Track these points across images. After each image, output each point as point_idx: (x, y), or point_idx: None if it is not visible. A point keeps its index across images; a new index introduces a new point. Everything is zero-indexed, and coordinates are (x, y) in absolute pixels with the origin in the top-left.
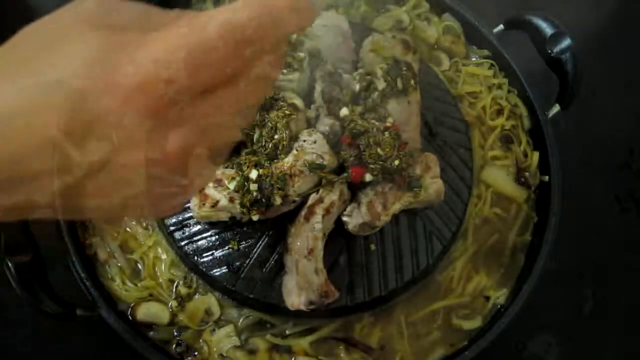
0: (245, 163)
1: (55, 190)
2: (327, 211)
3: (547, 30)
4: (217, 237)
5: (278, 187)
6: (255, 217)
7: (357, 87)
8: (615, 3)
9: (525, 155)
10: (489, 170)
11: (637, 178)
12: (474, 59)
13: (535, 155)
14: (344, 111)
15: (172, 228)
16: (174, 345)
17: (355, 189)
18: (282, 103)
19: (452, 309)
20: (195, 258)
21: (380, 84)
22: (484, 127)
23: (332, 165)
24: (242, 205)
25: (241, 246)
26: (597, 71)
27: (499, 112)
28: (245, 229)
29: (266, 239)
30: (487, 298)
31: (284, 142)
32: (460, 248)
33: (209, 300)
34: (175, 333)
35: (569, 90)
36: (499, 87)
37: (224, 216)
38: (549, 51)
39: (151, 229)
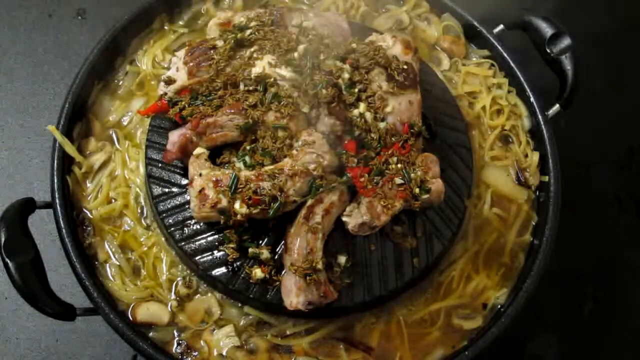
0: (246, 163)
1: None
2: (327, 211)
3: (547, 30)
4: (216, 237)
5: (278, 187)
6: (256, 217)
7: (357, 87)
8: (615, 3)
9: (526, 156)
10: (489, 170)
11: (637, 178)
12: (474, 59)
13: (535, 155)
14: (355, 112)
15: (172, 228)
16: (174, 346)
17: (355, 189)
18: (282, 102)
19: (452, 309)
20: (195, 258)
21: (382, 82)
22: (483, 127)
23: (333, 164)
24: (242, 205)
25: (241, 246)
26: (597, 71)
27: (499, 112)
28: (245, 229)
29: (266, 239)
30: (485, 306)
31: (285, 142)
32: (460, 248)
33: (209, 300)
34: (175, 333)
35: (569, 90)
36: (499, 87)
37: (223, 216)
38: (549, 51)
39: (151, 229)
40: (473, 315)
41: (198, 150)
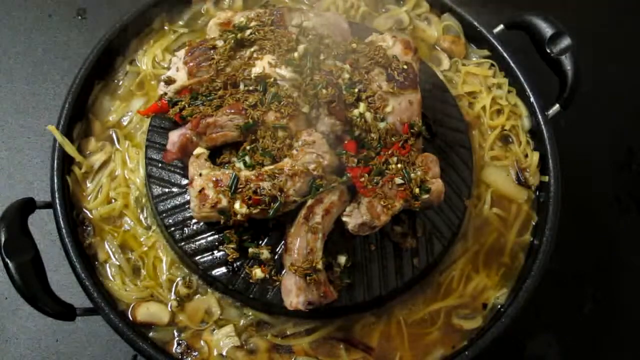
0: (246, 163)
1: None
2: (327, 211)
3: (547, 30)
4: (216, 237)
5: (278, 187)
6: (256, 217)
7: (357, 87)
8: (615, 4)
9: (526, 156)
10: (489, 170)
11: (637, 178)
12: (474, 59)
13: (535, 155)
14: (355, 112)
15: (172, 228)
16: (174, 346)
17: (355, 189)
18: (282, 102)
19: (452, 309)
20: (195, 258)
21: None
22: (483, 127)
23: (333, 164)
24: (242, 205)
25: (241, 246)
26: (597, 71)
27: (499, 112)
28: (245, 229)
29: (266, 239)
30: (485, 306)
31: (285, 142)
32: (460, 248)
33: (209, 300)
34: (175, 333)
35: (569, 90)
36: (499, 87)
37: (223, 216)
38: (549, 51)
39: (151, 229)
40: (473, 315)
41: (198, 150)
